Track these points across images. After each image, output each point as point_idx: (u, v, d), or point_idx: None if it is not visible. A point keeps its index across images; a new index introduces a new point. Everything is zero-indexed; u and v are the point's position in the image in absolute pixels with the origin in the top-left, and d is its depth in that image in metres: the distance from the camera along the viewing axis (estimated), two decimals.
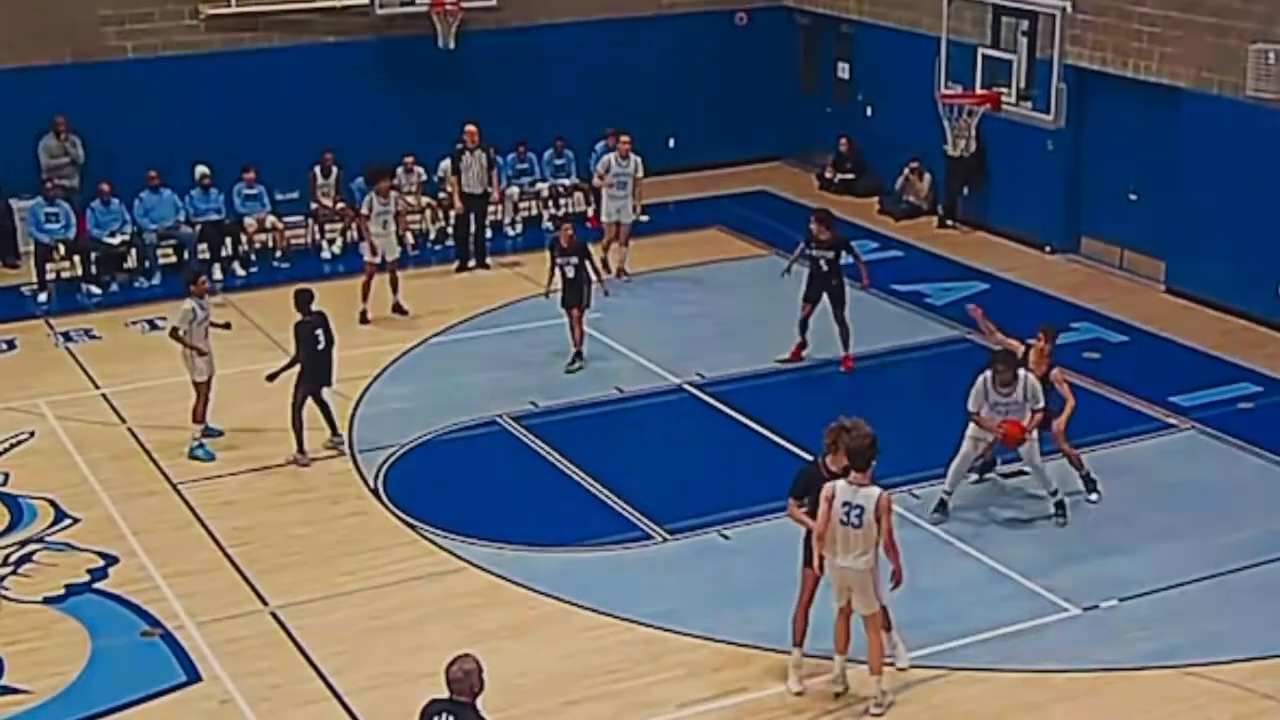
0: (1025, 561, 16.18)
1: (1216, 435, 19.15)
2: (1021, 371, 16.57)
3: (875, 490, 13.33)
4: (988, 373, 16.57)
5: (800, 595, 14.01)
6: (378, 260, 23.14)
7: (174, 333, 18.70)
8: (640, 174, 24.92)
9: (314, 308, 18.71)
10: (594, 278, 21.64)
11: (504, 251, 26.27)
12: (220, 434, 19.17)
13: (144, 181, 25.22)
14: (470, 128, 25.23)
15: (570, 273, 21.24)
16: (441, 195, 26.50)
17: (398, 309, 23.31)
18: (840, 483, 13.41)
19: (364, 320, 22.87)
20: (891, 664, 13.97)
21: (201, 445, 18.81)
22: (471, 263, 25.60)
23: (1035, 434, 16.69)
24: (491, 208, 26.23)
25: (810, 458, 18.27)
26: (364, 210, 23.32)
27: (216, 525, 17.16)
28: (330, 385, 18.76)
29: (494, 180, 25.72)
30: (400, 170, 26.49)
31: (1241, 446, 18.86)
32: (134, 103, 26.10)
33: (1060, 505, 16.99)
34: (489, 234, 26.05)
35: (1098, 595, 15.49)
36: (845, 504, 13.31)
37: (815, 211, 21.69)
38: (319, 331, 18.53)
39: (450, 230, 26.44)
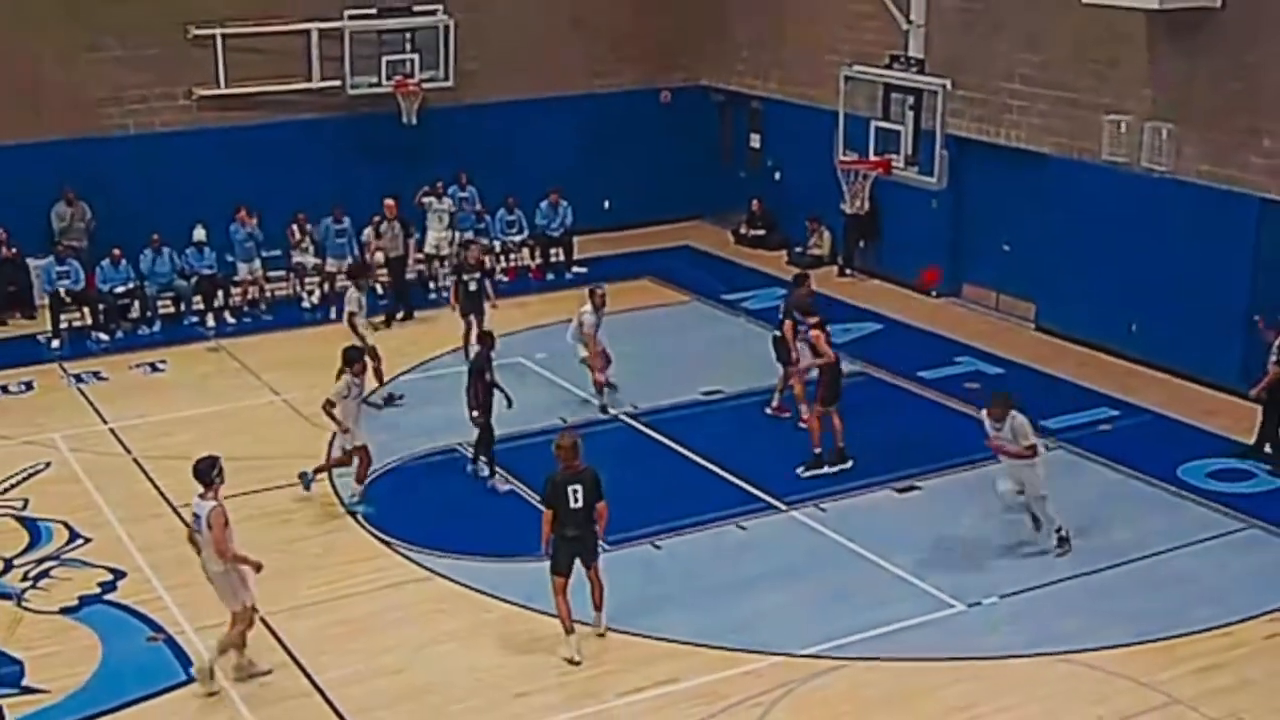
0: (916, 564, 16.31)
1: (1080, 453, 19.39)
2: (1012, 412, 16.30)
3: (211, 504, 13.76)
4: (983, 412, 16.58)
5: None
6: None
7: (327, 405, 17.88)
8: None
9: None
10: (490, 295, 22.56)
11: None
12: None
13: (147, 242, 25.21)
14: (389, 201, 25.55)
15: (473, 287, 22.28)
16: (367, 257, 25.84)
17: None
18: (195, 497, 13.91)
19: None
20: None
21: (362, 501, 18.10)
22: (400, 314, 25.49)
23: (1038, 465, 16.44)
24: (409, 266, 26.19)
25: (729, 477, 18.57)
26: None
27: None
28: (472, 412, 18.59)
29: (408, 246, 25.88)
30: (381, 219, 26.21)
31: (1101, 463, 19.10)
32: (136, 172, 26.00)
33: (1063, 539, 16.53)
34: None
35: (979, 593, 15.65)
36: (194, 515, 13.88)
37: (799, 277, 21.06)
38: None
39: (382, 289, 25.83)
